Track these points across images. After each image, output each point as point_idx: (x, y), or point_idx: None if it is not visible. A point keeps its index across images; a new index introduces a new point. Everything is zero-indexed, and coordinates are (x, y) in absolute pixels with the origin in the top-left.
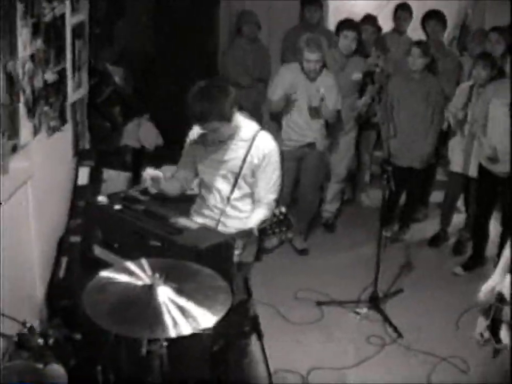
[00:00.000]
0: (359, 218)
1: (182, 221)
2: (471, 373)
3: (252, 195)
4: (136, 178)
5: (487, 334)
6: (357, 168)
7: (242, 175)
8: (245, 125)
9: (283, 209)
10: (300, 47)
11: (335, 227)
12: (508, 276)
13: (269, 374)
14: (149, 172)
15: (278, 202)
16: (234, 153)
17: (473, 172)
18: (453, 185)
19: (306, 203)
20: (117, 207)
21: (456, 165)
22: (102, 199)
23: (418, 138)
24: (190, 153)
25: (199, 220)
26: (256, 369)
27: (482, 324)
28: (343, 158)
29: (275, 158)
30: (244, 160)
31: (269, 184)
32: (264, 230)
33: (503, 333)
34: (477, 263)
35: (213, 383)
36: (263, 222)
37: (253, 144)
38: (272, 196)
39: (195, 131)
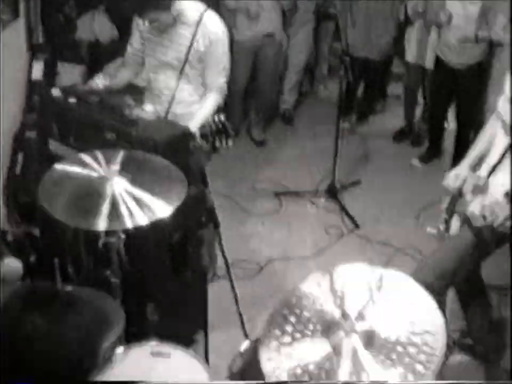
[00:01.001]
0: (317, 110)
1: (137, 112)
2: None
3: (201, 80)
4: (90, 72)
5: (442, 227)
6: (315, 60)
7: (189, 61)
8: (189, 9)
9: (222, 118)
10: None
11: (293, 118)
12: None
13: (227, 264)
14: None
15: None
16: (180, 39)
17: (429, 63)
18: (411, 76)
19: (263, 94)
20: (71, 100)
21: (411, 56)
22: (56, 92)
23: (376, 29)
24: (137, 42)
25: (151, 108)
26: (214, 259)
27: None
28: (301, 49)
29: (223, 41)
30: (190, 46)
31: (218, 68)
32: (205, 135)
33: (454, 223)
34: (434, 155)
35: (171, 273)
36: (204, 127)
37: (198, 29)
38: (222, 80)
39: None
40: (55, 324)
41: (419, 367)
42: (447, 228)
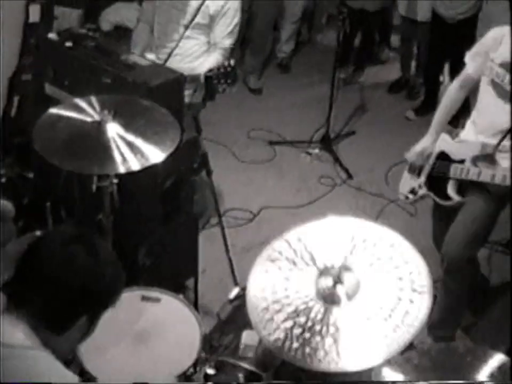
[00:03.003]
0: (314, 59)
1: (133, 58)
2: (419, 216)
3: (207, 38)
4: (88, 16)
5: (422, 191)
6: (314, 8)
7: (197, 20)
8: None
9: (232, 62)
10: None
11: (290, 67)
12: (444, 136)
13: (218, 212)
14: None
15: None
16: None
17: (421, 16)
18: (404, 29)
19: (259, 40)
20: (68, 44)
21: (403, 9)
22: (52, 36)
23: None
24: None
25: (152, 56)
26: (206, 206)
27: (408, 181)
28: None
29: (236, 3)
30: (201, 5)
31: (227, 30)
32: (210, 78)
33: (450, 189)
34: (429, 108)
35: (163, 219)
36: (211, 70)
37: None
38: (229, 41)
39: None
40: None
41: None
42: (440, 195)
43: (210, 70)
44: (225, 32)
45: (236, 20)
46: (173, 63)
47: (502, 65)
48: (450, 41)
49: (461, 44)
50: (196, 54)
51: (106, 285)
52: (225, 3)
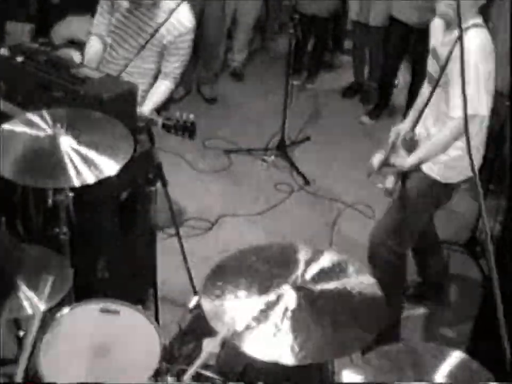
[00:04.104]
0: (268, 67)
1: (85, 71)
2: (376, 218)
3: (157, 64)
4: (40, 30)
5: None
6: (266, 17)
7: (151, 44)
8: None
9: (191, 117)
10: None
11: (244, 76)
12: None
13: (174, 222)
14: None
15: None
16: (150, 22)
17: (374, 20)
18: (356, 34)
19: (211, 50)
20: (19, 59)
21: (354, 13)
22: (3, 51)
23: None
24: (107, 13)
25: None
26: (163, 216)
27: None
28: (250, 7)
29: (190, 36)
30: (155, 33)
31: (179, 60)
32: (167, 126)
33: (389, 178)
34: (382, 111)
35: (120, 231)
36: (169, 119)
37: (169, 19)
38: (179, 71)
39: None
40: None
41: None
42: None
43: (169, 119)
44: (177, 63)
45: (189, 51)
46: None
47: (432, 50)
48: (411, 45)
49: (422, 47)
50: (141, 73)
51: None
52: (179, 36)
